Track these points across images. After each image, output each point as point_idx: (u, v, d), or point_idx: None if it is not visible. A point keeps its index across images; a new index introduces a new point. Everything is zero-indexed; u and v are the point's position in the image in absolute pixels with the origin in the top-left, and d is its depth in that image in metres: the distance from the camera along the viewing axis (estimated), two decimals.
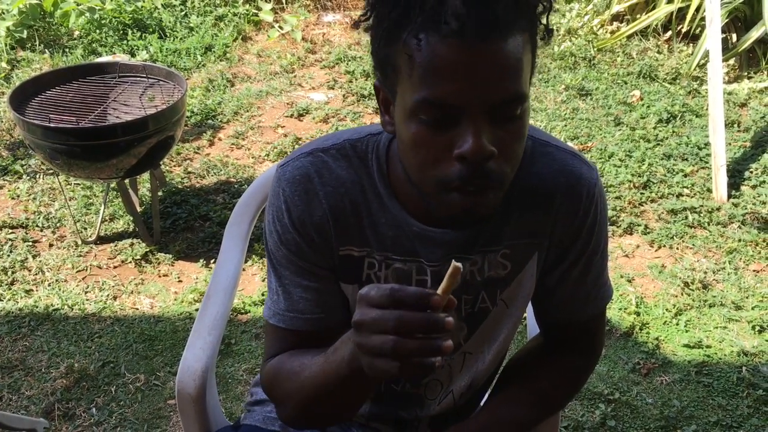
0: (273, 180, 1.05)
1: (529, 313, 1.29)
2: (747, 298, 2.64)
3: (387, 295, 0.77)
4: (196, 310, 2.43)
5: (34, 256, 2.84)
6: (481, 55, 0.82)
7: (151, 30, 4.56)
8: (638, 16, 4.50)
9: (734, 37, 4.24)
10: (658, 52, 4.36)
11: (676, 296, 2.66)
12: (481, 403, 1.24)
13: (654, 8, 4.42)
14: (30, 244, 2.91)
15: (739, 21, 4.28)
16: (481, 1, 0.80)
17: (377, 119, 3.87)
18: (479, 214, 0.91)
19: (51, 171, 3.25)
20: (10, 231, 2.98)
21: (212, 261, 2.81)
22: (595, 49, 4.38)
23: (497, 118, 0.86)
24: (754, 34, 4.04)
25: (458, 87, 0.83)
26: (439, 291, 0.77)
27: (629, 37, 4.43)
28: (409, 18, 0.83)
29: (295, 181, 1.02)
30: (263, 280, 2.73)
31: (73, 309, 2.59)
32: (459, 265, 0.76)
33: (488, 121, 0.85)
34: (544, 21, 0.89)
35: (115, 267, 2.81)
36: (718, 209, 3.10)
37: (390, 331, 0.77)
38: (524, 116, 0.89)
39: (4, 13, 4.46)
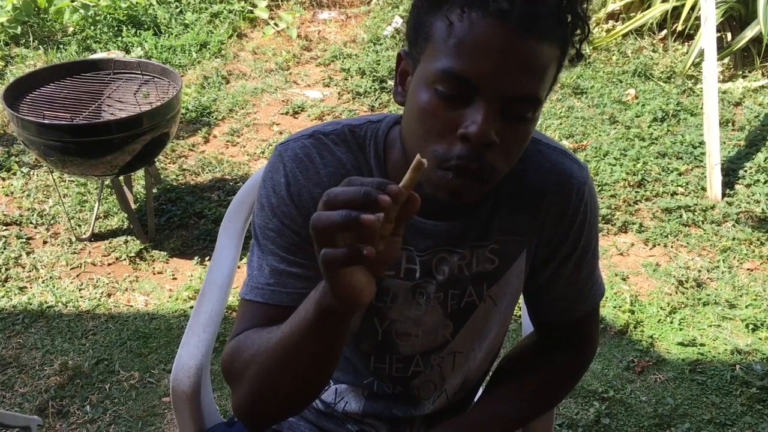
0: (272, 157, 1.05)
1: (523, 311, 1.29)
2: (741, 296, 2.65)
3: (344, 182, 0.72)
4: (191, 307, 2.43)
5: (28, 253, 2.83)
6: (517, 46, 0.84)
7: (146, 27, 4.55)
8: (633, 14, 4.51)
9: (729, 36, 4.25)
10: (653, 51, 4.37)
11: (671, 294, 2.67)
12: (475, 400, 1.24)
13: (649, 7, 4.42)
14: (24, 241, 2.90)
15: (734, 20, 4.29)
16: None
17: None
18: (462, 200, 0.91)
19: (45, 168, 3.24)
20: (4, 228, 2.97)
21: (207, 258, 2.81)
22: (591, 47, 4.39)
23: (508, 114, 0.87)
24: (749, 33, 4.05)
25: (484, 67, 0.84)
26: (401, 185, 0.71)
27: (624, 35, 4.44)
28: None
29: (297, 158, 1.02)
30: None
31: (67, 306, 2.58)
32: (423, 160, 0.71)
33: (499, 113, 0.86)
34: (577, 45, 0.90)
35: (109, 264, 2.81)
36: (713, 208, 3.11)
37: (320, 207, 0.71)
38: (531, 123, 0.90)
39: None
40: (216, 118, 3.82)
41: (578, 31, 0.89)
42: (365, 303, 0.76)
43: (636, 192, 3.21)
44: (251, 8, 4.83)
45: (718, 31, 3.96)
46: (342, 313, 0.79)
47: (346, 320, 0.82)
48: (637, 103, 3.92)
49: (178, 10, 4.77)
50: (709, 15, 3.35)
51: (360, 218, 0.68)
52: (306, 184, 1.01)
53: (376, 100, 3.96)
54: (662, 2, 4.30)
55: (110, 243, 2.90)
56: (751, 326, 2.51)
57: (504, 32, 0.83)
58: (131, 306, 2.60)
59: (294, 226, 1.02)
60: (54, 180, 3.10)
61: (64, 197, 3.13)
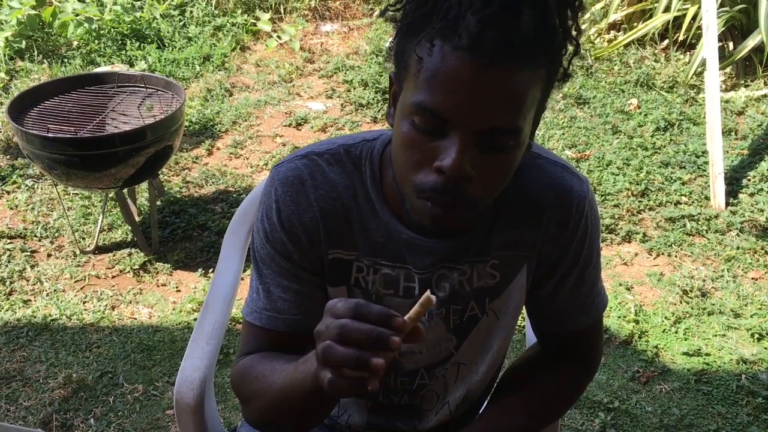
0: (266, 179, 1.06)
1: (527, 322, 1.29)
2: (746, 305, 2.64)
3: (351, 308, 0.76)
4: (195, 319, 2.43)
5: (32, 267, 2.84)
6: (486, 77, 0.81)
7: (149, 40, 4.57)
8: (635, 24, 4.52)
9: (731, 45, 4.26)
10: (655, 61, 4.37)
11: (675, 304, 2.66)
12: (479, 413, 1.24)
13: (651, 17, 4.43)
14: (28, 254, 2.91)
15: (735, 29, 4.30)
16: (498, 25, 0.79)
17: (375, 128, 3.86)
18: (447, 227, 0.91)
19: (49, 181, 3.25)
20: (9, 241, 2.98)
21: (211, 270, 2.81)
22: (593, 57, 4.40)
23: (486, 145, 0.86)
24: (751, 42, 4.05)
25: (455, 101, 0.83)
26: (407, 317, 0.76)
27: (626, 45, 4.45)
28: (430, 21, 0.83)
29: (287, 181, 1.03)
30: None
31: (71, 319, 2.58)
32: (433, 297, 0.75)
33: (476, 144, 0.85)
34: (565, 63, 0.88)
35: (113, 277, 2.81)
36: (716, 217, 3.10)
37: (332, 338, 0.75)
38: (515, 150, 0.88)
39: (2, 24, 4.47)
40: (219, 131, 3.83)
41: (565, 49, 0.86)
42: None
43: (639, 201, 3.21)
44: (254, 21, 4.85)
45: (719, 40, 3.96)
46: None
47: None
48: (640, 113, 3.92)
49: (181, 23, 4.80)
50: (711, 24, 3.36)
51: (371, 362, 0.73)
52: (296, 210, 1.02)
53: (378, 111, 3.97)
54: (664, 12, 4.31)
55: (114, 255, 2.90)
56: (756, 335, 2.50)
57: (474, 65, 0.80)
58: (135, 318, 2.61)
59: (286, 253, 1.03)
60: (58, 193, 3.11)
61: (68, 210, 3.14)
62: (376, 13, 5.02)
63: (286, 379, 0.93)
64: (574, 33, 0.86)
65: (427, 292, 0.75)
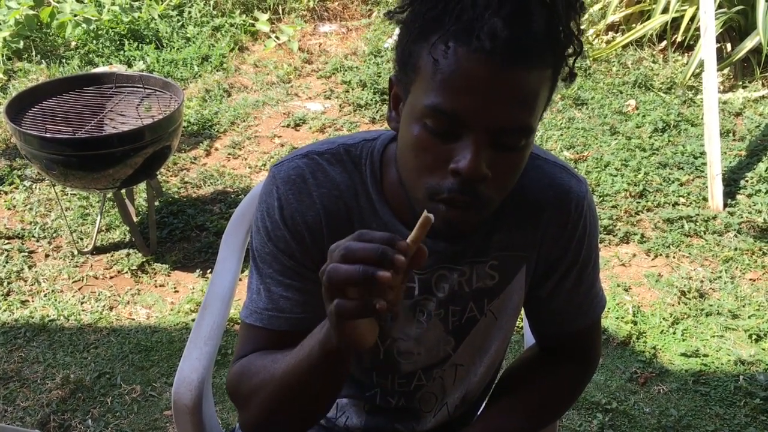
0: (266, 179, 1.06)
1: (525, 322, 1.29)
2: (743, 306, 2.65)
3: (355, 236, 0.76)
4: (193, 320, 2.43)
5: (30, 267, 2.84)
6: (504, 79, 0.82)
7: (147, 40, 4.57)
8: (633, 26, 4.53)
9: (729, 46, 4.26)
10: (653, 62, 4.38)
11: (673, 305, 2.66)
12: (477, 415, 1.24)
13: (649, 18, 4.44)
14: (26, 254, 2.90)
15: (733, 31, 4.30)
16: (517, 26, 0.80)
17: (373, 129, 3.85)
18: (458, 229, 0.91)
19: (47, 181, 3.25)
20: (6, 241, 2.97)
21: (209, 271, 2.81)
22: (591, 58, 4.40)
23: (499, 145, 0.86)
24: (749, 43, 4.06)
25: (472, 103, 0.83)
26: (409, 239, 0.75)
27: (624, 46, 4.45)
28: (442, 23, 0.83)
29: (290, 180, 1.02)
30: None
31: (69, 320, 2.58)
32: (431, 216, 0.74)
33: (490, 144, 0.86)
34: (570, 63, 0.89)
35: (111, 277, 2.81)
36: (714, 218, 3.10)
37: (335, 260, 0.75)
38: (525, 150, 0.90)
39: (0, 24, 4.46)
40: (217, 131, 3.83)
41: (570, 49, 0.88)
42: (368, 347, 0.80)
43: (637, 202, 3.21)
44: (252, 22, 4.85)
45: (717, 41, 3.97)
46: (345, 355, 0.84)
47: (348, 361, 0.88)
48: (638, 114, 3.93)
49: (179, 24, 4.80)
50: (709, 26, 3.36)
51: (376, 275, 0.71)
52: (299, 207, 1.01)
53: (377, 112, 3.97)
54: (662, 13, 4.32)
55: (112, 256, 2.90)
56: (754, 336, 2.50)
57: (490, 67, 0.81)
58: (133, 319, 2.60)
59: (288, 250, 1.02)
60: (56, 193, 3.11)
61: (66, 211, 3.14)
62: (376, 13, 5.03)
63: (291, 360, 0.92)
64: (576, 33, 0.87)
65: (425, 212, 0.74)
